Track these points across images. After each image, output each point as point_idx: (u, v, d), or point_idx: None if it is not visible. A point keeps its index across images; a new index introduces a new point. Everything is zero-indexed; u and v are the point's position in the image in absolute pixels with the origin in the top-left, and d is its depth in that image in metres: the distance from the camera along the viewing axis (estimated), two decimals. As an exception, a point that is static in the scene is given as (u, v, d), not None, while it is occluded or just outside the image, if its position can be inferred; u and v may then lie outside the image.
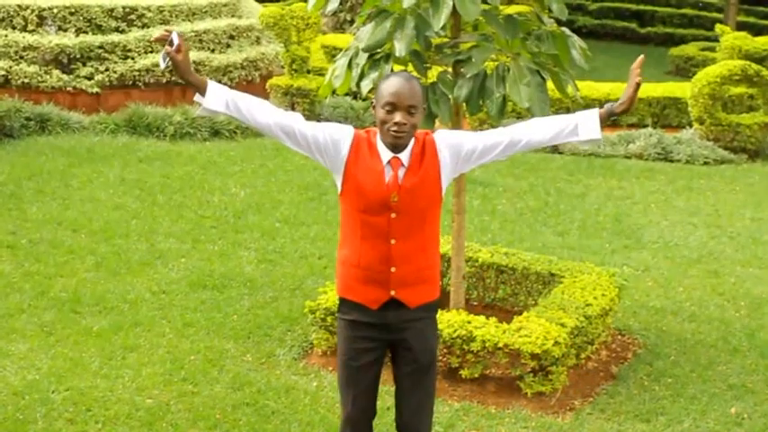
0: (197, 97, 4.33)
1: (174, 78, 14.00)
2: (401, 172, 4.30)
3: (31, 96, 13.35)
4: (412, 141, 4.33)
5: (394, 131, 4.22)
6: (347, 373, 4.50)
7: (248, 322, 7.25)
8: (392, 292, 4.38)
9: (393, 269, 4.36)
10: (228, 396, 6.13)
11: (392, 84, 4.23)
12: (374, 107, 4.32)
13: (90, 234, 9.02)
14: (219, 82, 13.94)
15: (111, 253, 8.56)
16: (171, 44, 4.21)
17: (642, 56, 4.50)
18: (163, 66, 4.28)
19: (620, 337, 7.26)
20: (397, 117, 4.20)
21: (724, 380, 6.63)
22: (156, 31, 13.82)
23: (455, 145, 4.39)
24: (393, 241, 4.34)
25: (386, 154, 4.30)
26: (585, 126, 4.40)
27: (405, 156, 4.31)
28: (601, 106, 4.53)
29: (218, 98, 4.31)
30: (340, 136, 4.35)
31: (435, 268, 4.51)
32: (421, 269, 4.41)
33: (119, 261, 8.38)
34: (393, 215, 4.31)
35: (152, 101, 13.73)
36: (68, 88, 13.70)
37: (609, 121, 4.48)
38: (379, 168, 4.30)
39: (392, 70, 6.24)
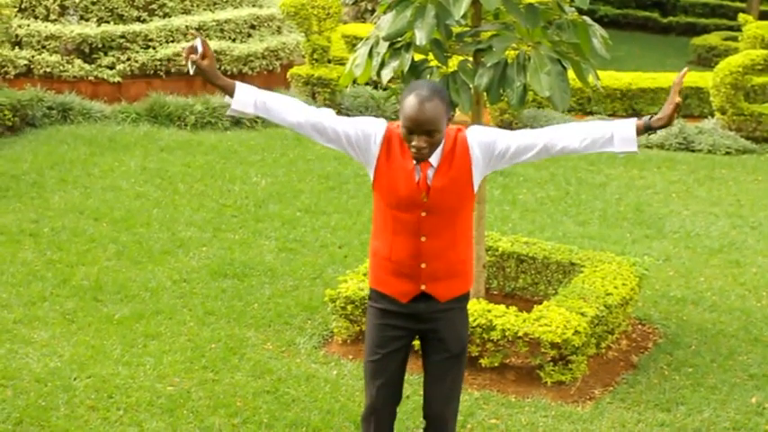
0: (226, 98, 4.34)
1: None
2: (430, 172, 4.27)
3: (53, 86, 13.40)
4: (442, 140, 4.25)
5: (414, 152, 4.18)
6: (374, 361, 4.49)
7: (269, 311, 7.28)
8: (422, 287, 4.39)
9: (423, 265, 4.35)
10: (249, 384, 6.17)
11: (410, 105, 4.11)
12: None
13: (111, 223, 9.07)
14: (240, 72, 14.24)
15: (133, 241, 8.60)
16: (195, 51, 4.25)
17: (687, 68, 4.33)
18: (192, 71, 4.32)
19: (640, 326, 7.25)
20: (415, 141, 4.15)
21: (745, 370, 6.61)
22: (178, 19, 13.98)
23: (488, 143, 4.30)
24: (423, 238, 4.33)
25: None
26: (621, 137, 4.23)
27: (434, 157, 4.26)
28: (639, 117, 4.35)
29: (246, 99, 4.31)
30: (372, 131, 4.32)
31: (467, 262, 4.48)
32: (452, 264, 4.39)
33: (140, 250, 8.42)
34: (423, 213, 4.30)
35: (173, 90, 13.74)
36: (90, 78, 13.74)
37: (646, 135, 4.32)
38: (409, 167, 4.27)
39: (413, 59, 6.24)
